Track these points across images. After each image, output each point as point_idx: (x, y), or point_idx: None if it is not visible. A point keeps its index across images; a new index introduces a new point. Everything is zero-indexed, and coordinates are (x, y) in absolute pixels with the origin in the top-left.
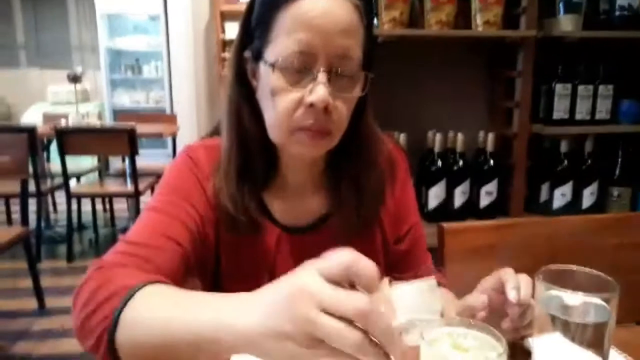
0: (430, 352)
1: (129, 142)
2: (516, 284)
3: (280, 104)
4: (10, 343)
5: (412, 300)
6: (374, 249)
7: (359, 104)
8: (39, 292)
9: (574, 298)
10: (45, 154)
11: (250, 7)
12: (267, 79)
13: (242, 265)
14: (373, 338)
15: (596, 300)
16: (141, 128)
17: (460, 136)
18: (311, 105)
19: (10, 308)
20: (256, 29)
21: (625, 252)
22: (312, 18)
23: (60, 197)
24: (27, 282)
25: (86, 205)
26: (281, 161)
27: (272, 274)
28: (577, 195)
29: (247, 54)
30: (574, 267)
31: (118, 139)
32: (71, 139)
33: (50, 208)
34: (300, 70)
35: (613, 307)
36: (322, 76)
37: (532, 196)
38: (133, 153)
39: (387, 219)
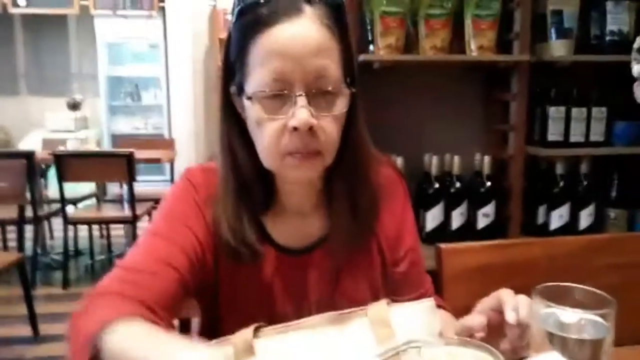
0: None
1: (127, 168)
2: (515, 305)
3: (266, 132)
4: None
5: (410, 322)
6: (372, 271)
7: (348, 121)
8: (33, 319)
9: (570, 315)
10: (42, 181)
11: (228, 42)
12: (250, 111)
13: (241, 290)
14: None
15: (593, 317)
16: (139, 154)
17: (456, 159)
18: (295, 129)
19: (4, 335)
20: (235, 63)
21: (622, 271)
22: (282, 45)
23: (57, 223)
24: (22, 309)
25: (83, 231)
26: (278, 186)
27: (270, 298)
28: (574, 217)
29: (232, 89)
30: (570, 285)
31: (116, 164)
32: (69, 164)
33: (47, 234)
34: (279, 97)
35: (610, 323)
36: (301, 100)
37: (529, 218)
38: (131, 178)
39: (385, 241)
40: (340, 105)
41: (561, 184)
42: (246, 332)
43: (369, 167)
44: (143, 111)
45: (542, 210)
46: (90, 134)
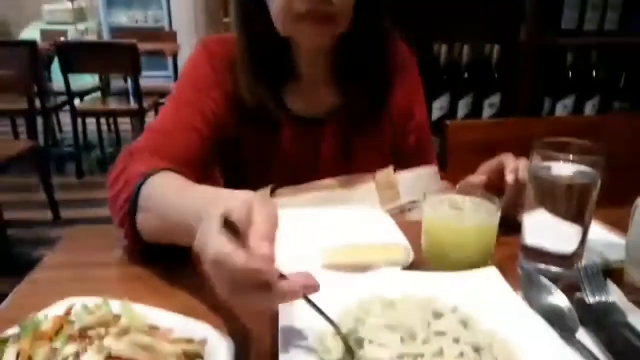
0: (433, 213)
1: (132, 60)
2: (515, 167)
3: None
4: (31, 249)
5: (414, 185)
6: (382, 141)
7: None
8: (53, 203)
9: (563, 166)
10: (46, 73)
11: None
12: None
13: (262, 157)
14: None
15: (584, 167)
16: (142, 46)
17: (466, 48)
18: None
19: (26, 218)
20: None
21: (619, 147)
22: None
23: (65, 117)
24: (40, 196)
25: (91, 125)
26: (294, 56)
27: (288, 165)
28: (579, 108)
29: None
30: (566, 139)
31: (120, 56)
32: (73, 55)
33: (56, 128)
34: None
35: (599, 171)
36: None
37: (534, 109)
38: (136, 70)
39: (397, 113)
40: None
41: (570, 74)
42: (264, 191)
43: (383, 39)
44: (141, 2)
45: (548, 101)
46: (89, 26)
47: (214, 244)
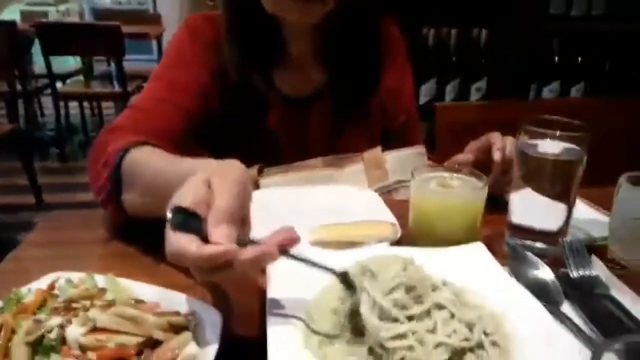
0: (420, 190)
1: (115, 42)
2: (502, 145)
3: None
4: (13, 233)
5: (401, 164)
6: (370, 121)
7: None
8: (35, 188)
9: (549, 144)
10: (27, 56)
11: None
12: None
13: (248, 137)
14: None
15: (569, 144)
16: (125, 29)
17: (453, 32)
18: None
19: (9, 202)
20: None
21: (603, 129)
22: None
23: (47, 101)
24: (22, 180)
25: (74, 109)
26: (282, 32)
27: (276, 146)
28: (565, 94)
29: None
30: (552, 117)
31: (103, 38)
32: (54, 37)
33: (38, 113)
34: None
35: (584, 148)
36: None
37: (520, 94)
38: (119, 53)
39: (385, 93)
40: None
41: (555, 59)
42: (251, 170)
43: (372, 17)
44: None
45: (533, 87)
46: (71, 7)
47: (167, 241)
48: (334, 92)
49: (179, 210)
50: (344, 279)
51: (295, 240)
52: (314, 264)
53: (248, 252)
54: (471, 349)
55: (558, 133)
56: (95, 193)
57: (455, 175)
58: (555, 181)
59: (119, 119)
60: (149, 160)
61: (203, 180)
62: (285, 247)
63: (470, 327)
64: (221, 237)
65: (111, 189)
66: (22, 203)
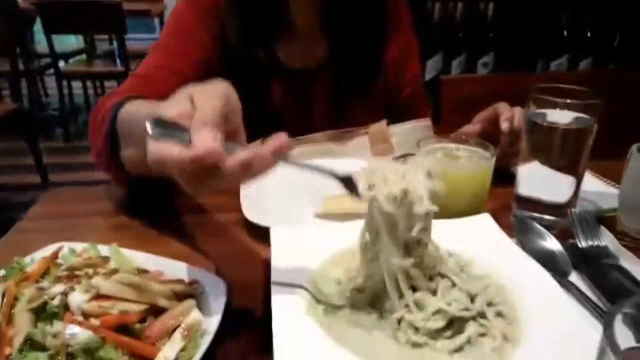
0: (426, 161)
1: (116, 19)
2: (510, 115)
3: None
4: (19, 213)
5: (407, 137)
6: (376, 94)
7: None
8: (41, 167)
9: (559, 113)
10: (28, 35)
11: None
12: None
13: (251, 109)
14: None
15: (579, 114)
16: (126, 5)
17: (460, 6)
18: None
19: (16, 182)
20: None
21: (613, 101)
22: None
23: (50, 81)
24: (28, 160)
25: (77, 89)
26: (287, 2)
27: (279, 119)
28: (572, 68)
29: None
30: (562, 86)
31: (104, 15)
32: (55, 15)
33: (41, 92)
34: None
35: (594, 117)
36: None
37: (527, 68)
38: (121, 30)
39: (391, 65)
40: None
41: (564, 33)
42: (254, 145)
43: None
44: None
45: (541, 61)
46: None
47: (148, 149)
48: (337, 65)
49: (159, 122)
50: (347, 183)
51: (288, 145)
52: (314, 168)
53: (237, 156)
54: (474, 318)
55: (568, 101)
56: (95, 155)
57: (462, 146)
58: (565, 151)
59: (120, 87)
60: (141, 109)
61: (185, 97)
62: (279, 152)
63: (471, 297)
64: (205, 139)
65: (109, 146)
66: (28, 182)
